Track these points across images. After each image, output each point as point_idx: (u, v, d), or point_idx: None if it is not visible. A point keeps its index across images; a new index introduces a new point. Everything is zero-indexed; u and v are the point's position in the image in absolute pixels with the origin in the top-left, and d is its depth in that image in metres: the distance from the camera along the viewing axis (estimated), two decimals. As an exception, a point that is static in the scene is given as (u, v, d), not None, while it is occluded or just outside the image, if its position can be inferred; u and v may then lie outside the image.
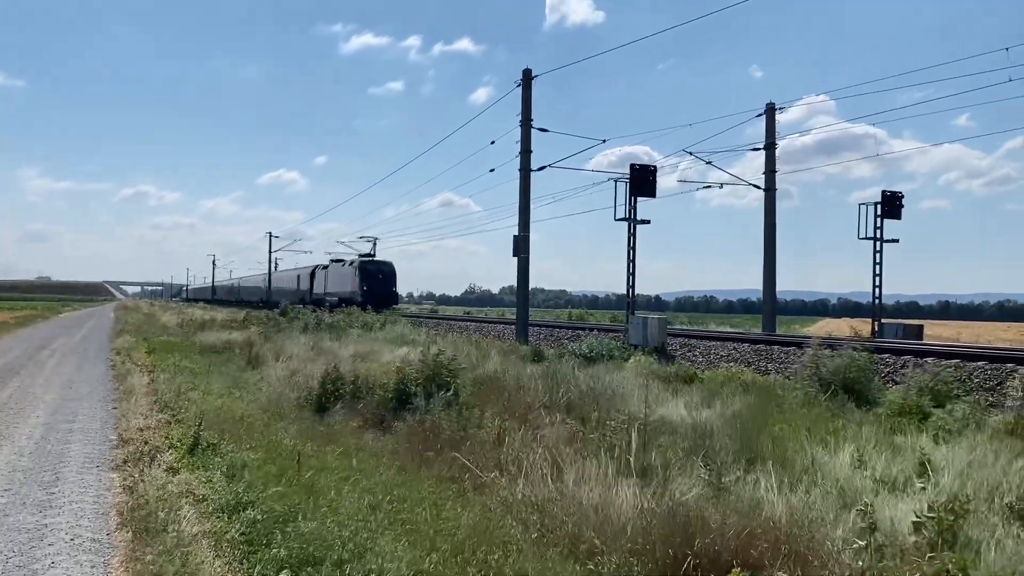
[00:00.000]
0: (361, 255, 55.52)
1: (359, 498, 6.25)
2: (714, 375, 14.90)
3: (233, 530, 5.65)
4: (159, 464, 7.91)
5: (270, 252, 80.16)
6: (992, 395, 12.00)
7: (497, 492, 6.57)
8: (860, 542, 4.96)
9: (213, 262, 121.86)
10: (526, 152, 26.26)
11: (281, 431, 9.34)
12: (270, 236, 79.80)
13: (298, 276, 69.45)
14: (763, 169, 29.47)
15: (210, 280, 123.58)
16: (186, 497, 6.60)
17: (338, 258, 60.87)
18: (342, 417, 10.35)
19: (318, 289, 61.50)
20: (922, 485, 6.55)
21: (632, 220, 25.33)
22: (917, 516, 5.29)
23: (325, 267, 61.69)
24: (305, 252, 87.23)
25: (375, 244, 57.07)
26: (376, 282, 51.21)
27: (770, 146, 29.02)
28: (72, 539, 5.75)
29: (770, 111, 28.83)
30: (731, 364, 17.40)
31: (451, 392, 10.34)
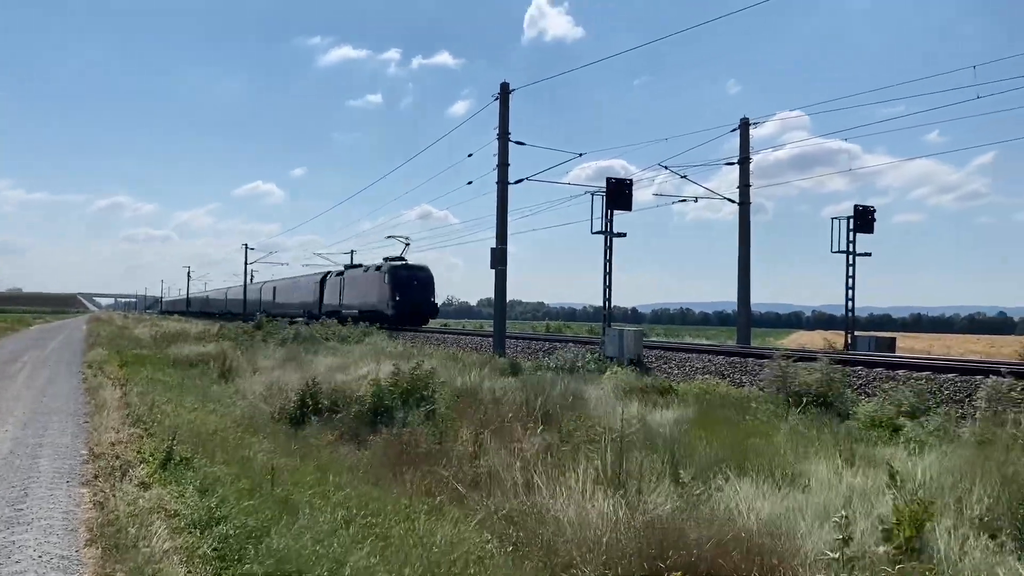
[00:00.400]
0: (389, 259, 46.72)
1: (334, 513, 6.22)
2: (689, 387, 14.98)
3: (205, 546, 5.59)
4: (131, 479, 7.81)
5: (245, 264, 79.64)
6: (962, 407, 12.16)
7: (473, 505, 6.56)
8: (832, 554, 5.01)
9: (188, 274, 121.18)
10: (503, 165, 26.35)
11: (255, 445, 9.26)
12: (246, 248, 79.25)
13: (305, 285, 61.37)
14: (738, 183, 29.79)
15: (188, 292, 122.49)
16: (158, 512, 6.52)
17: (355, 263, 54.43)
18: (317, 431, 10.29)
19: (330, 300, 53.83)
20: (892, 496, 6.61)
21: (608, 233, 25.48)
22: (886, 526, 5.35)
23: (339, 274, 53.53)
24: (281, 264, 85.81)
25: (407, 246, 47.08)
26: (411, 291, 43.00)
27: (744, 160, 29.32)
28: (40, 556, 5.66)
29: (744, 126, 29.15)
30: (706, 376, 17.50)
31: (428, 405, 10.31)
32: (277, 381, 14.94)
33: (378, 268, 46.63)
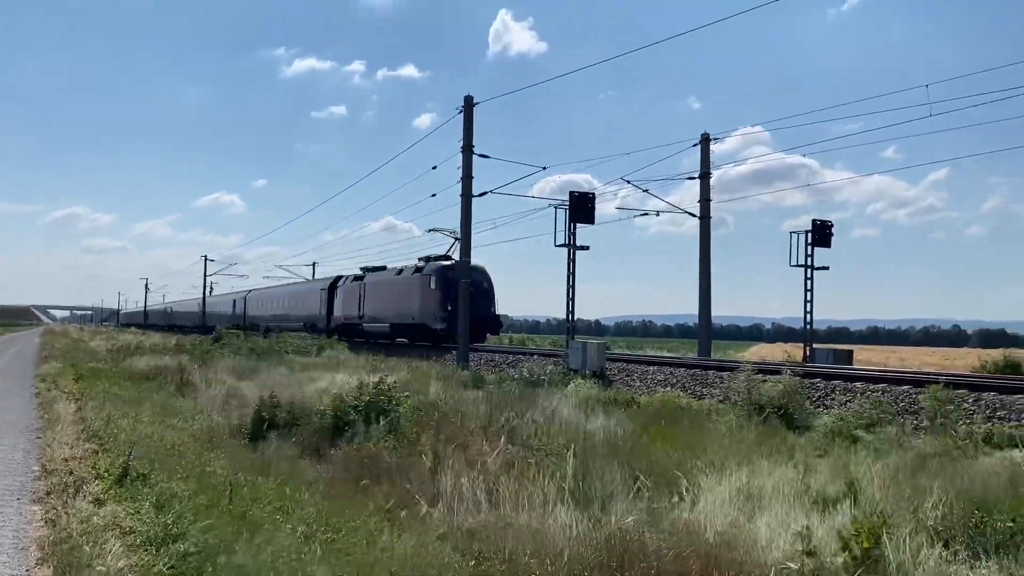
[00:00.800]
0: (431, 258, 36.66)
1: (294, 529, 6.14)
2: (651, 400, 15.09)
3: (161, 563, 5.49)
4: (85, 495, 7.63)
5: (205, 276, 78.54)
6: (916, 418, 12.40)
7: (435, 520, 6.53)
8: (792, 565, 5.07)
9: (146, 286, 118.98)
10: (467, 178, 26.42)
11: (214, 460, 9.12)
12: (205, 260, 78.18)
13: (306, 294, 52.36)
14: (699, 197, 30.16)
15: (146, 304, 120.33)
16: (112, 530, 6.38)
17: (375, 266, 43.41)
18: (277, 445, 10.17)
19: (345, 311, 43.96)
20: (850, 507, 6.72)
21: (571, 246, 25.64)
22: (844, 537, 5.43)
23: (358, 278, 43.37)
24: (240, 276, 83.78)
25: (457, 241, 33.29)
26: (474, 300, 30.11)
27: (705, 175, 29.71)
28: (-11, 576, 5.51)
29: (705, 141, 29.56)
30: (668, 388, 17.64)
31: (390, 419, 10.25)
32: (236, 395, 14.75)
33: (418, 270, 36.39)
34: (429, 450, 8.76)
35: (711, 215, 30.05)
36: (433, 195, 31.22)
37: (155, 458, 8.98)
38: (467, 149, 26.52)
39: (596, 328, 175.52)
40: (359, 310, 41.78)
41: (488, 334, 34.65)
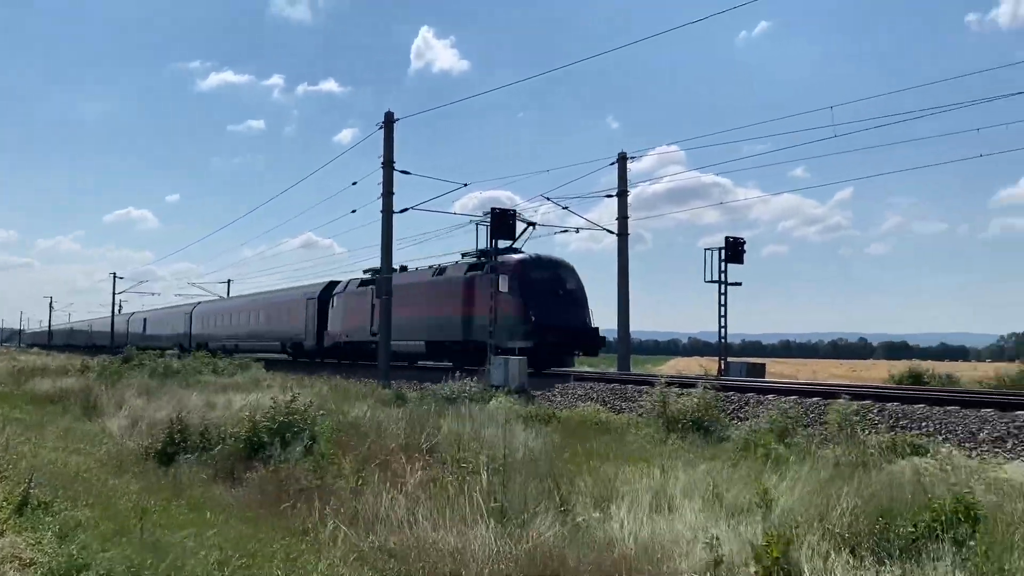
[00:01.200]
0: (486, 252, 26.25)
1: (207, 555, 5.97)
2: (572, 414, 15.23)
3: (64, 595, 5.26)
4: (-19, 527, 7.25)
5: (114, 294, 75.64)
6: (825, 429, 12.83)
7: (354, 541, 6.44)
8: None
9: (50, 305, 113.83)
10: (388, 194, 26.28)
11: (123, 485, 8.79)
12: (114, 277, 75.34)
13: (282, 306, 41.38)
14: (617, 215, 30.68)
15: (50, 323, 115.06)
16: (11, 562, 6.08)
17: (398, 267, 30.70)
18: (189, 469, 9.86)
19: (348, 326, 34.33)
20: (761, 516, 6.91)
21: (493, 263, 25.68)
22: (754, 546, 5.59)
23: (366, 283, 33.44)
24: (151, 294, 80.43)
25: (532, 228, 27.30)
26: (556, 306, 24.28)
27: (622, 193, 30.26)
28: None
29: (622, 160, 30.15)
30: (588, 403, 17.84)
31: (308, 440, 10.06)
32: (146, 417, 14.25)
33: (474, 267, 26.48)
34: (349, 470, 8.65)
35: (629, 232, 30.60)
36: (353, 211, 30.85)
37: (59, 485, 8.61)
38: (387, 165, 26.38)
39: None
40: (370, 324, 31.28)
41: (589, 354, 26.00)
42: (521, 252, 26.30)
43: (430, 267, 30.25)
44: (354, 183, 28.97)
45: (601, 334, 25.51)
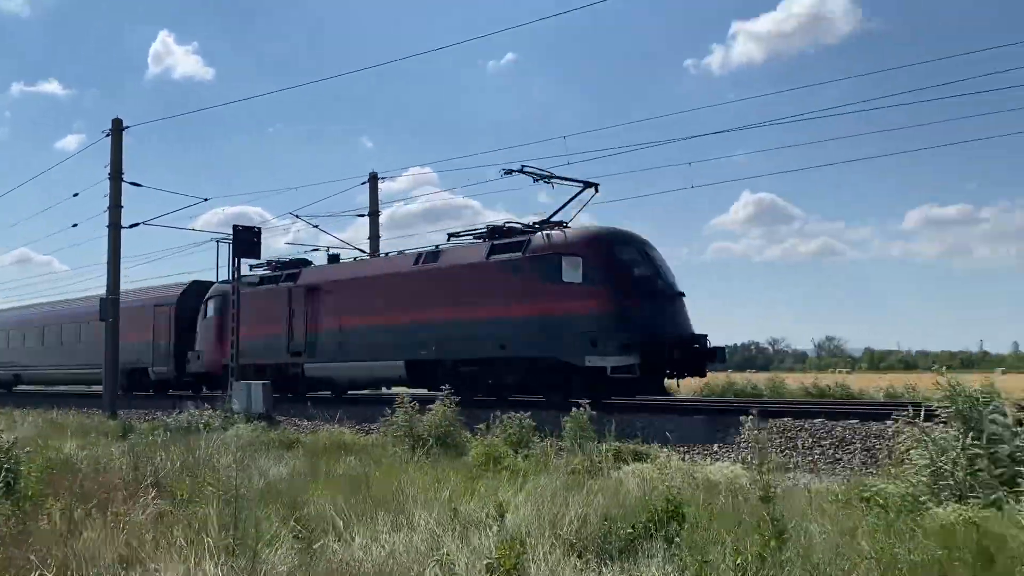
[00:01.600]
0: (529, 227, 18.86)
1: None
2: (317, 438, 14.93)
3: None
4: None
5: None
6: (561, 439, 13.57)
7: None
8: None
9: None
10: (116, 207, 24.31)
11: None
12: None
13: (123, 315, 24.96)
14: (368, 234, 30.64)
15: None
16: None
17: (299, 257, 25.95)
18: None
19: (253, 343, 23.23)
20: (496, 526, 7.16)
21: (238, 282, 24.54)
22: (489, 558, 5.79)
23: (275, 278, 24.74)
24: None
25: (595, 189, 18.84)
26: (658, 303, 16.61)
27: (374, 213, 30.28)
28: None
29: (373, 179, 30.21)
30: (334, 425, 17.60)
31: (8, 481, 8.96)
32: None
33: (517, 246, 17.68)
34: (60, 512, 7.85)
35: (381, 252, 30.65)
36: (74, 225, 28.33)
37: None
38: (115, 176, 24.36)
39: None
40: (288, 338, 22.64)
41: (697, 374, 17.06)
42: (566, 225, 18.49)
43: (401, 252, 21.92)
44: (75, 194, 26.57)
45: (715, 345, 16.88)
